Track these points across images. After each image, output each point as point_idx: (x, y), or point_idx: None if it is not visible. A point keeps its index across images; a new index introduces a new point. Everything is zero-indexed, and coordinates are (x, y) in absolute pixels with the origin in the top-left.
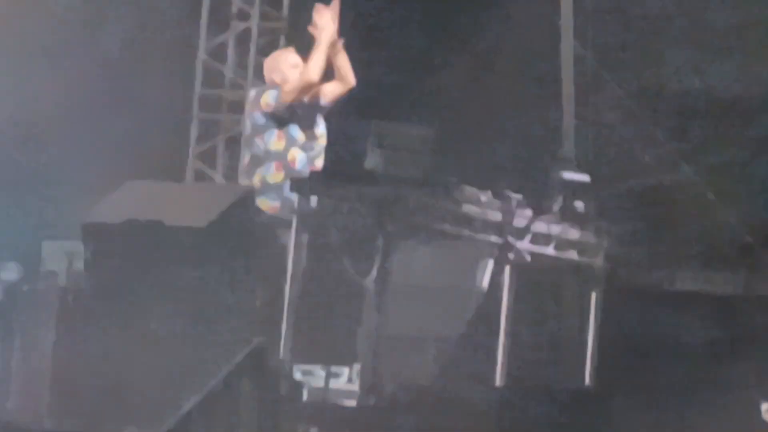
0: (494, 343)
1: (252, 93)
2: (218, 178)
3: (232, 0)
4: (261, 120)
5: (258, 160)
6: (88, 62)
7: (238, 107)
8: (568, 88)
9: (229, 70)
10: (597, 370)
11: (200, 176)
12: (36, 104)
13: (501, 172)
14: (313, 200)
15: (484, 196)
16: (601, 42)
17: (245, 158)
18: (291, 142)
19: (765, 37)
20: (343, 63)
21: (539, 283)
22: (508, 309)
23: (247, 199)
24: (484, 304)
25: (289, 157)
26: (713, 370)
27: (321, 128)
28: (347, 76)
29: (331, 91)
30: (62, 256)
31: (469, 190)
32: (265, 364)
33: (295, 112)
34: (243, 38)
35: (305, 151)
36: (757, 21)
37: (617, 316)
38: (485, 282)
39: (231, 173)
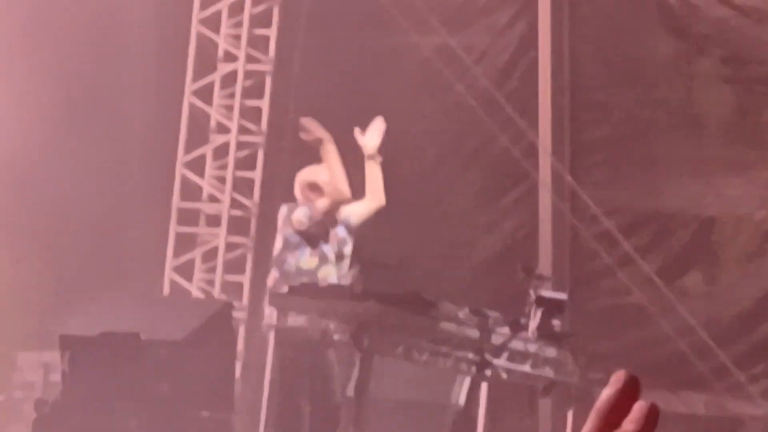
0: None
1: (284, 210)
2: (195, 291)
3: (211, 113)
4: (294, 238)
5: (289, 277)
6: (66, 170)
7: (215, 221)
8: (545, 206)
9: (206, 184)
10: None
11: (177, 289)
12: (14, 217)
13: (478, 289)
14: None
15: (462, 313)
16: (578, 160)
17: (273, 275)
18: (323, 260)
19: (742, 155)
20: (377, 181)
21: (515, 401)
22: (485, 426)
23: (223, 313)
24: (461, 420)
25: (320, 275)
26: None
27: (349, 247)
28: (378, 194)
29: (362, 210)
30: (38, 367)
31: (447, 307)
32: None
33: (326, 231)
34: (221, 151)
35: (336, 269)
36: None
37: None
38: (462, 399)
39: (207, 287)
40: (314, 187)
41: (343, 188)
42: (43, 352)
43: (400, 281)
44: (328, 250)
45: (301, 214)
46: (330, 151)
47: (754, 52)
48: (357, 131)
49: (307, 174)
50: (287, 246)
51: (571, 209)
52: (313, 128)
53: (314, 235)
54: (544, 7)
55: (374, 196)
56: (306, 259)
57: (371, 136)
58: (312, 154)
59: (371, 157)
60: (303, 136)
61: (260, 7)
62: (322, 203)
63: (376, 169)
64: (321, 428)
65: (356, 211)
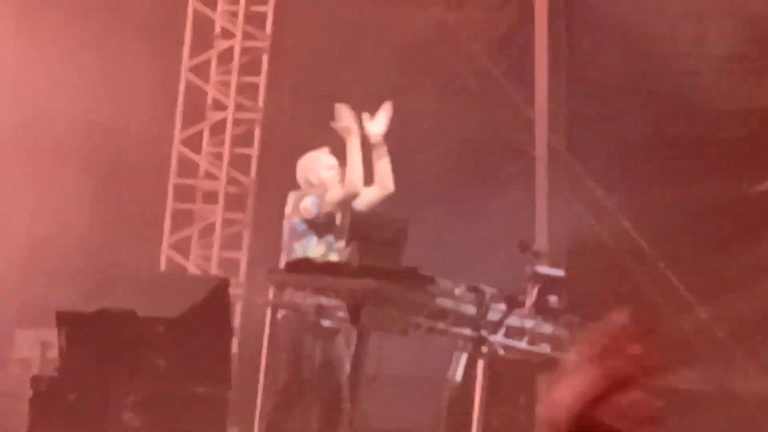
0: None
1: (291, 197)
2: (191, 268)
3: (208, 90)
4: (300, 226)
5: None
6: (67, 150)
7: (211, 197)
8: (541, 182)
9: (203, 161)
10: None
11: (174, 266)
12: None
13: (475, 266)
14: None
15: (459, 290)
16: (574, 135)
17: (281, 263)
18: (330, 248)
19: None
20: (385, 168)
21: (512, 377)
22: (481, 402)
23: (219, 289)
24: (458, 396)
25: None
26: None
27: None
28: (387, 182)
29: (370, 199)
30: (36, 344)
31: (444, 283)
32: None
33: (333, 219)
34: (218, 129)
35: (342, 257)
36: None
37: None
38: (459, 375)
39: (204, 263)
40: (316, 173)
41: (359, 184)
42: (41, 329)
43: (397, 257)
44: (334, 238)
45: (309, 203)
46: (354, 145)
47: None
48: (365, 117)
49: (310, 160)
50: (293, 234)
51: (569, 184)
52: (344, 116)
53: (320, 224)
54: None
55: (383, 184)
56: (313, 247)
57: (378, 123)
58: (309, 134)
59: (378, 143)
60: (332, 124)
61: None
62: (332, 195)
63: (383, 156)
64: (320, 405)
65: (364, 200)
